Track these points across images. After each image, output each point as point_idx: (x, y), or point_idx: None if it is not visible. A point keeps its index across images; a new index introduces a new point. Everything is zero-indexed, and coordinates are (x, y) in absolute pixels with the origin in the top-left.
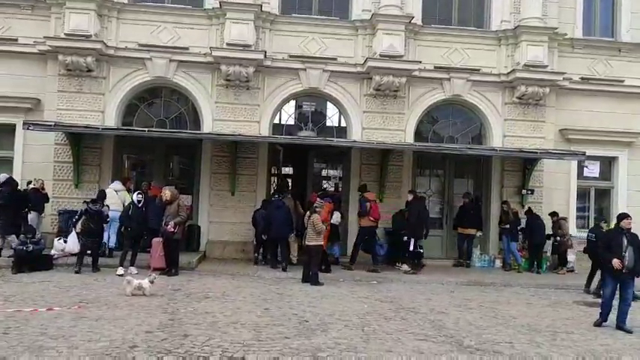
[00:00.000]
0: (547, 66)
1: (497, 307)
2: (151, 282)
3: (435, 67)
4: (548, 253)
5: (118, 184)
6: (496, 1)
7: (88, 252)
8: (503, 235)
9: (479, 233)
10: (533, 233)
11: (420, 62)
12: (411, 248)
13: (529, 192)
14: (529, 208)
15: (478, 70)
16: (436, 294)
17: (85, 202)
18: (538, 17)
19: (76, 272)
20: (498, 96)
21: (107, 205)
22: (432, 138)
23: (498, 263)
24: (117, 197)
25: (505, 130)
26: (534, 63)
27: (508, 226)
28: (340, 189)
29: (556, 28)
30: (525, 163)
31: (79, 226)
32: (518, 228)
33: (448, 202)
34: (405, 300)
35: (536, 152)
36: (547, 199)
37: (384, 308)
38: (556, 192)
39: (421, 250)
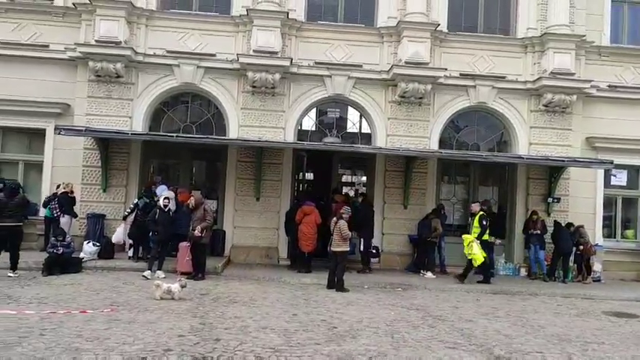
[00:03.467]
0: (574, 74)
1: (524, 316)
2: (183, 286)
3: (460, 75)
4: (572, 263)
5: (169, 192)
6: (522, 9)
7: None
8: (531, 243)
9: (498, 241)
10: (561, 242)
11: (446, 69)
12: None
13: (555, 200)
14: (555, 221)
15: (504, 77)
16: (462, 302)
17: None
18: (565, 24)
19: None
20: (524, 103)
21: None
22: (457, 145)
23: (523, 272)
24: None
25: (531, 138)
26: (561, 70)
27: (539, 232)
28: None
29: (583, 36)
30: (551, 171)
31: (130, 218)
32: (544, 237)
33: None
34: (431, 308)
35: (563, 160)
36: (573, 208)
37: (411, 316)
38: (582, 200)
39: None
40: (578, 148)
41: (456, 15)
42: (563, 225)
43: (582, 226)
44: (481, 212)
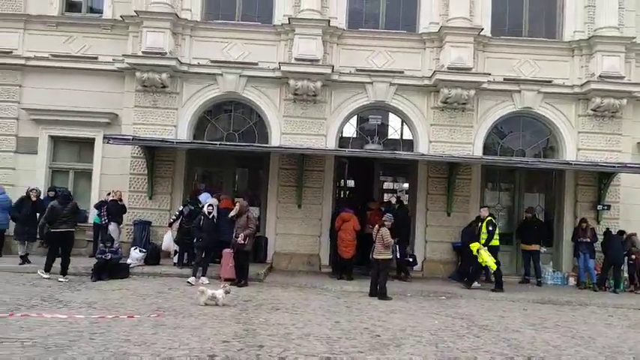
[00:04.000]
0: (624, 77)
1: (574, 327)
2: (227, 292)
3: (504, 79)
4: (625, 272)
5: (213, 199)
6: (569, 11)
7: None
8: (580, 251)
9: (543, 249)
10: (612, 251)
11: (490, 74)
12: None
13: (605, 207)
14: (607, 229)
15: (550, 81)
16: (508, 311)
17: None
18: (614, 26)
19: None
20: (572, 108)
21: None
22: (501, 151)
23: (572, 281)
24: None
25: (579, 143)
26: (610, 74)
27: (588, 240)
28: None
29: (633, 38)
30: (601, 178)
31: (176, 225)
32: (594, 245)
33: (518, 217)
34: (476, 317)
35: (613, 166)
36: (624, 215)
37: (455, 325)
38: (634, 207)
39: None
40: (628, 154)
41: (500, 19)
42: (614, 233)
43: (635, 234)
44: (489, 217)
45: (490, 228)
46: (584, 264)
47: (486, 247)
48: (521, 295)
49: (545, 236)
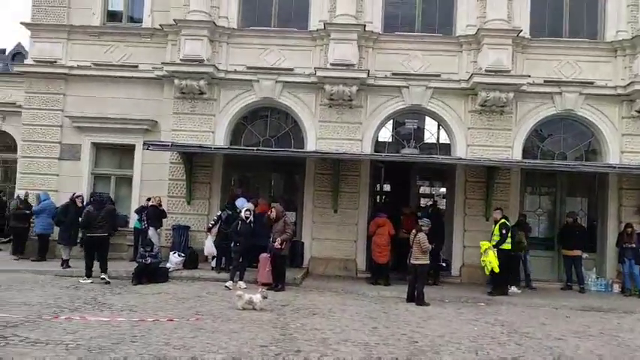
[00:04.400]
0: None
1: (619, 335)
2: (264, 297)
3: (544, 81)
4: None
5: (250, 204)
6: (611, 11)
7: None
8: (625, 257)
9: (585, 255)
10: None
11: (529, 76)
12: None
13: None
14: None
15: (592, 83)
16: (550, 318)
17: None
18: None
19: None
20: (615, 110)
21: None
22: (541, 155)
23: (616, 288)
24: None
25: (623, 146)
26: None
27: (634, 245)
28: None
29: None
30: None
31: (215, 230)
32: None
33: (559, 222)
34: (517, 324)
35: None
36: None
37: (495, 332)
38: None
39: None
40: None
41: (539, 20)
42: None
43: None
44: (502, 220)
45: (503, 231)
46: (629, 270)
47: (496, 249)
48: (563, 301)
49: (588, 241)
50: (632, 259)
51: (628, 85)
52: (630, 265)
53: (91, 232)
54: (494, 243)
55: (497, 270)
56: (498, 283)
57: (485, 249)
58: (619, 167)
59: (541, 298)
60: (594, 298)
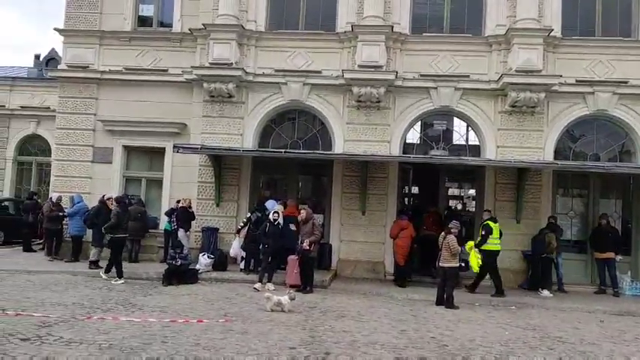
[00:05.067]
0: None
1: None
2: (292, 299)
3: (576, 81)
4: None
5: (279, 206)
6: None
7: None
8: None
9: (619, 257)
10: None
11: (561, 76)
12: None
13: None
14: None
15: (626, 82)
16: (583, 323)
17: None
18: None
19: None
20: None
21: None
22: (574, 156)
23: None
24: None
25: None
26: None
27: None
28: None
29: None
30: None
31: (243, 232)
32: None
33: (592, 224)
34: (549, 328)
35: None
36: None
37: (527, 336)
38: None
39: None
40: None
41: (571, 19)
42: None
43: None
44: (486, 221)
45: (483, 232)
46: None
47: (477, 249)
48: (597, 305)
49: (622, 244)
50: None
51: None
52: None
53: (120, 233)
54: (476, 242)
55: (475, 270)
56: (496, 284)
57: (470, 247)
58: None
59: (573, 302)
60: (629, 302)
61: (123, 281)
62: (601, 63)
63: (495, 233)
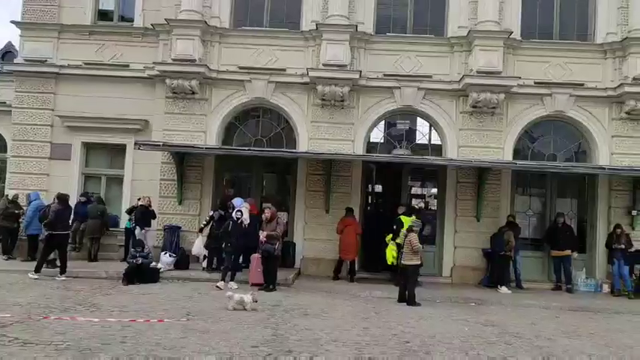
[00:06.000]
0: None
1: (608, 335)
2: (255, 300)
3: (535, 83)
4: None
5: (246, 204)
6: (601, 13)
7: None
8: (614, 258)
9: (575, 254)
10: None
11: (520, 78)
12: None
13: None
14: None
15: (582, 84)
16: (540, 319)
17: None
18: None
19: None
20: (605, 111)
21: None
22: (532, 156)
23: (606, 288)
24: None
25: (612, 148)
26: None
27: (624, 246)
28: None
29: None
30: (635, 183)
31: (206, 230)
32: (629, 252)
33: (549, 222)
34: (507, 324)
35: None
36: None
37: (486, 332)
38: None
39: None
40: None
41: (530, 22)
42: None
43: None
44: (400, 215)
45: (394, 226)
46: (618, 271)
47: (394, 242)
48: (553, 302)
49: (577, 242)
50: (621, 260)
51: (617, 87)
52: (619, 265)
53: (58, 230)
54: (391, 236)
55: (389, 262)
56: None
57: (388, 241)
58: (609, 169)
59: (531, 299)
60: (584, 299)
61: (37, 276)
62: (559, 65)
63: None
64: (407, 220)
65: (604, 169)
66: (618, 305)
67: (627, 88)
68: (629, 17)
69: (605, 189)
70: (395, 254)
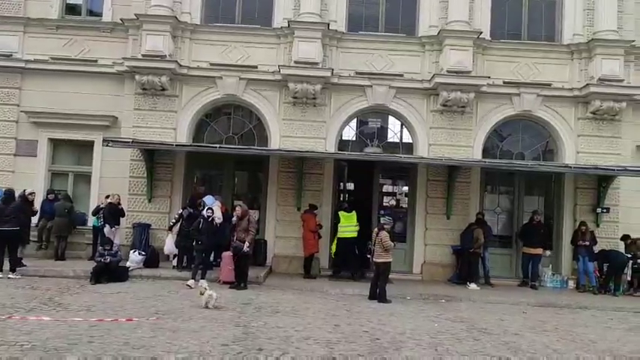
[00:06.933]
0: (623, 80)
1: (573, 330)
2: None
3: (504, 83)
4: (628, 277)
5: (218, 202)
6: (568, 15)
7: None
8: (579, 254)
9: (547, 253)
10: (615, 255)
11: (489, 77)
12: None
13: (604, 210)
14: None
15: (549, 84)
16: (508, 314)
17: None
18: (613, 30)
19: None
20: (571, 111)
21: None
22: (501, 154)
23: (571, 284)
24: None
25: (578, 147)
26: (609, 77)
27: (588, 243)
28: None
29: (632, 41)
30: (600, 181)
31: (176, 228)
32: (594, 248)
33: (517, 220)
34: (475, 320)
35: (613, 169)
36: (623, 218)
37: (455, 328)
38: (633, 210)
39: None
40: (628, 157)
41: (499, 22)
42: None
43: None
44: (339, 211)
45: (335, 221)
46: (583, 267)
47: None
48: (520, 298)
49: (549, 240)
50: (586, 257)
51: (583, 87)
52: (584, 262)
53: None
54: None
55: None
56: (347, 269)
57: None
58: (574, 167)
59: (499, 295)
60: (550, 295)
61: (1, 275)
62: (527, 66)
63: (345, 221)
64: (345, 215)
65: (570, 167)
66: (583, 301)
67: (593, 89)
68: (595, 19)
69: (571, 187)
70: (334, 249)
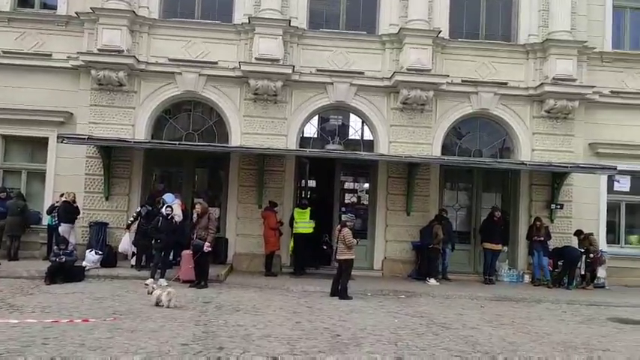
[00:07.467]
0: (576, 79)
1: (529, 324)
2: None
3: (462, 81)
4: (582, 271)
5: (178, 200)
6: (524, 15)
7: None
8: (534, 249)
9: (505, 248)
10: (570, 250)
11: (448, 76)
12: None
13: (558, 207)
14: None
15: (506, 83)
16: (466, 309)
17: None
18: (566, 30)
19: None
20: (526, 110)
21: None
22: (460, 152)
23: (527, 278)
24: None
25: (533, 144)
26: (563, 77)
27: (542, 238)
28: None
29: (585, 42)
30: (554, 178)
31: (134, 227)
32: (548, 243)
33: (475, 216)
34: (435, 315)
35: (567, 166)
36: (576, 214)
37: (415, 323)
38: (585, 206)
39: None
40: (580, 154)
41: (458, 22)
42: (572, 233)
43: (592, 234)
44: (294, 208)
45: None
46: (538, 261)
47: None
48: (478, 292)
49: (504, 235)
50: (541, 251)
51: (538, 86)
52: (539, 256)
53: None
54: None
55: (290, 251)
56: (295, 265)
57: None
58: (530, 164)
59: (458, 290)
60: (507, 289)
61: None
62: (484, 65)
63: (299, 218)
64: (299, 212)
65: (525, 164)
66: (538, 294)
67: (547, 88)
68: (549, 20)
69: (526, 184)
70: (292, 245)
